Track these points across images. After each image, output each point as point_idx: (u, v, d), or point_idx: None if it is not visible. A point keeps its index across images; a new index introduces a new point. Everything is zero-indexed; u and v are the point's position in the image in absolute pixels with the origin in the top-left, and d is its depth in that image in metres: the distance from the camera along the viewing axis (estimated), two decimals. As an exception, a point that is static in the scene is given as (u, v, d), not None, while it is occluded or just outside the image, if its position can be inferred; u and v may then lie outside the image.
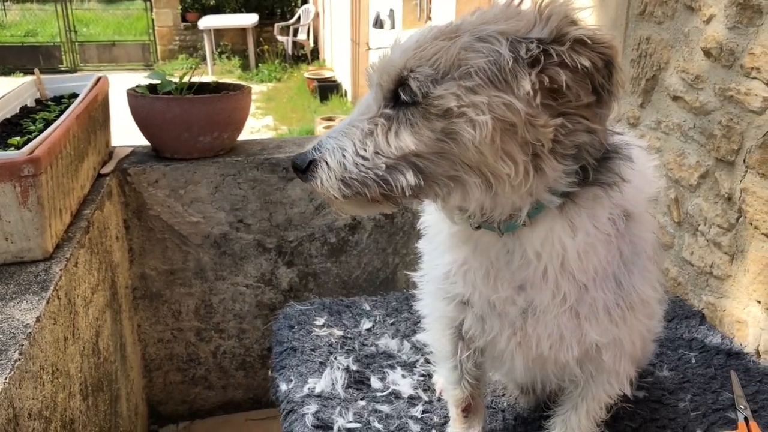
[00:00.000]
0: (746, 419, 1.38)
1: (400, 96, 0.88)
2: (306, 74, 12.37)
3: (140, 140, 2.46)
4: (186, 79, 2.39)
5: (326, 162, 0.90)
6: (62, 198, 1.68)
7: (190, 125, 2.26)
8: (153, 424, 2.61)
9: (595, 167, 0.91)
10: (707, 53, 1.83)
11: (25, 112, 2.02)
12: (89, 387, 1.69)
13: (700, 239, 1.92)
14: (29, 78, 2.29)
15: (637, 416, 1.40)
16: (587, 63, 0.82)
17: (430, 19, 7.03)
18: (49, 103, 2.14)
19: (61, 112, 1.92)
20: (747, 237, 1.73)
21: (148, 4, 14.76)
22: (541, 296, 0.99)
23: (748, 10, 1.67)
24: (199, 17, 14.00)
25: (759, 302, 1.71)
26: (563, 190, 0.91)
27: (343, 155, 0.89)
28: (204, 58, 13.65)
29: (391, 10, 8.06)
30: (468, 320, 1.10)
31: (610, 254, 0.97)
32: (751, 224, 1.72)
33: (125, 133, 2.75)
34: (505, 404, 1.44)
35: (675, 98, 1.98)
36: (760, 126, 1.66)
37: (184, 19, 14.66)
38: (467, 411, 1.24)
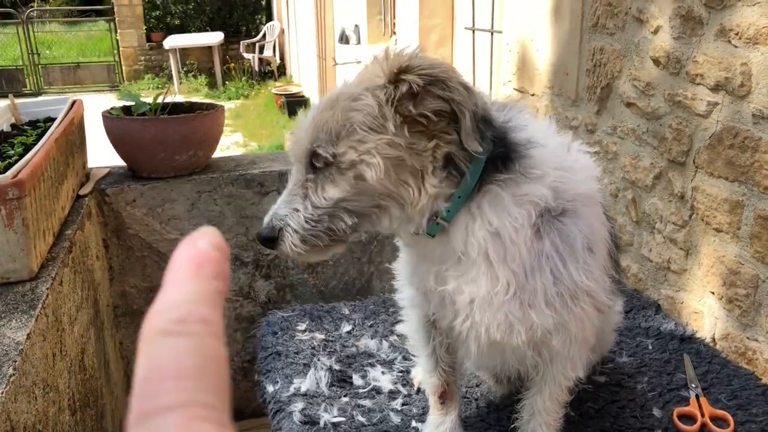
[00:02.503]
0: (697, 396, 1.50)
1: (315, 164, 1.07)
2: (273, 90, 12.41)
3: (113, 160, 2.51)
4: (159, 100, 2.45)
5: (291, 226, 1.09)
6: (45, 219, 1.73)
7: (165, 145, 2.32)
8: (137, 441, 2.63)
9: (495, 167, 1.05)
10: (656, 62, 1.95)
11: (2, 137, 2.07)
12: (77, 402, 1.73)
13: (657, 236, 2.04)
14: (1, 102, 2.33)
15: (599, 398, 1.51)
16: (406, 87, 0.99)
17: (394, 33, 7.12)
18: (25, 127, 2.18)
19: (39, 136, 1.97)
20: (699, 232, 1.85)
21: (112, 24, 14.70)
22: (481, 286, 1.09)
23: (691, 21, 1.79)
24: (164, 37, 14.00)
25: (713, 293, 1.82)
26: (466, 191, 1.05)
27: (299, 218, 1.08)
28: (170, 78, 13.64)
29: (356, 26, 8.16)
30: (431, 307, 1.20)
31: (540, 246, 1.07)
32: (702, 220, 1.83)
33: (97, 153, 2.80)
34: (478, 394, 1.53)
35: (628, 104, 2.10)
36: (706, 128, 1.78)
37: (149, 39, 14.64)
38: (443, 398, 1.33)
